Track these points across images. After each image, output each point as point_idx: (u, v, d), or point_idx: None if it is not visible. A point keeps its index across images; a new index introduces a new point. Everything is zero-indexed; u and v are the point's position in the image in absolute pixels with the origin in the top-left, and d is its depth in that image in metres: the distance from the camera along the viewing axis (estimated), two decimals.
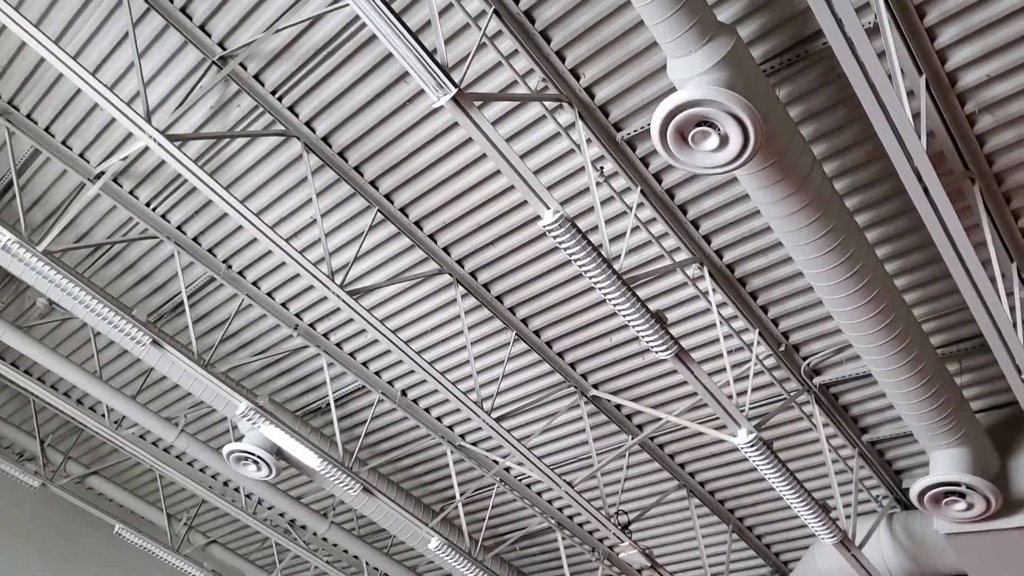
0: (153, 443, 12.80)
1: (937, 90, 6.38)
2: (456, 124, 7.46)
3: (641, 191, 7.63)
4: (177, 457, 12.99)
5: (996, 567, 8.83)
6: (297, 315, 10.13)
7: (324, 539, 13.75)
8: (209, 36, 7.43)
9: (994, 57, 6.18)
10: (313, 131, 7.99)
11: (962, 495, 8.06)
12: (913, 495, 8.28)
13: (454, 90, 5.87)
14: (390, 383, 10.69)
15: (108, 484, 13.29)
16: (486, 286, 9.13)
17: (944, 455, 7.94)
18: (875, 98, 5.34)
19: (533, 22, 6.77)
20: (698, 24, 5.52)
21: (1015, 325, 6.61)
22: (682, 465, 10.84)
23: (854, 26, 5.08)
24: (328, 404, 10.98)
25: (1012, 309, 6.80)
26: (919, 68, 6.22)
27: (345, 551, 13.95)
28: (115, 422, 11.82)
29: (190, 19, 7.33)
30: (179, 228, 9.42)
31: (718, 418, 8.74)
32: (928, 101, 6.32)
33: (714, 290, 8.23)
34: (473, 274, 9.03)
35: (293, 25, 7.02)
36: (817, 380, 9.10)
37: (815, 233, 6.32)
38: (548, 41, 6.87)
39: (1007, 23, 5.98)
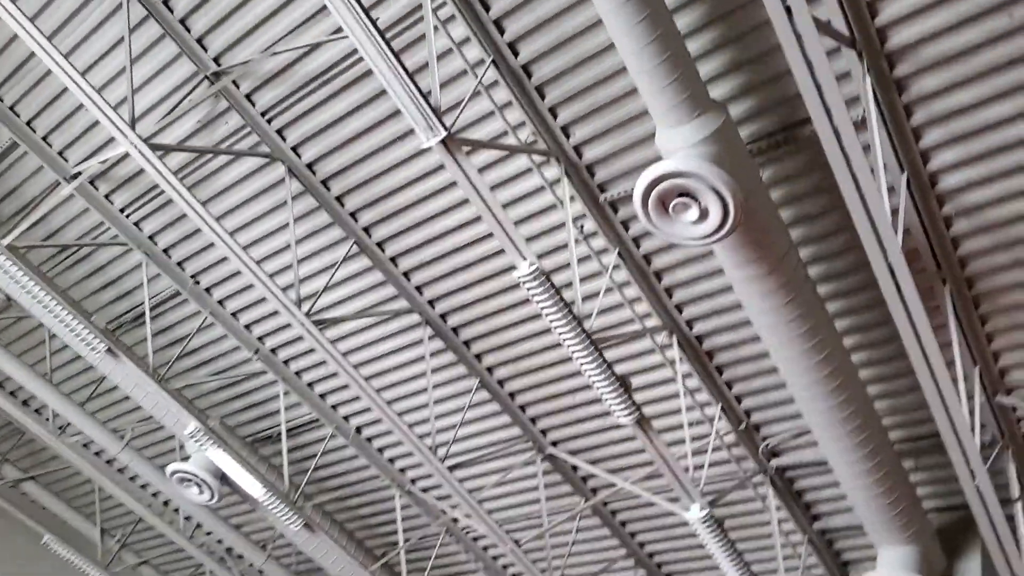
0: (96, 453, 12.44)
1: (917, 189, 6.47)
2: (442, 166, 7.46)
3: (619, 253, 7.64)
4: (119, 471, 12.63)
5: None
6: (260, 339, 9.99)
7: (260, 571, 13.38)
8: (205, 50, 7.41)
9: (975, 164, 6.29)
10: (299, 156, 7.95)
11: None
12: None
13: (444, 133, 5.88)
14: (345, 419, 10.53)
15: (43, 492, 12.92)
16: (455, 330, 9.06)
17: (892, 552, 7.89)
18: (856, 190, 5.40)
19: (530, 76, 6.82)
20: (690, 98, 5.57)
21: (972, 429, 6.63)
22: (632, 534, 10.71)
23: (842, 117, 5.15)
24: (279, 433, 10.76)
25: (971, 412, 6.82)
26: (901, 165, 6.31)
27: None
28: (60, 428, 11.51)
29: (188, 31, 7.31)
30: (151, 238, 9.29)
31: (672, 490, 8.66)
32: (908, 198, 6.40)
33: (681, 360, 8.21)
34: (443, 317, 8.96)
35: (291, 50, 7.03)
36: (774, 462, 9.06)
37: (785, 316, 6.33)
38: (543, 96, 6.91)
39: (990, 132, 6.09)
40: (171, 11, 7.22)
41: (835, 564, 9.94)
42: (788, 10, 4.83)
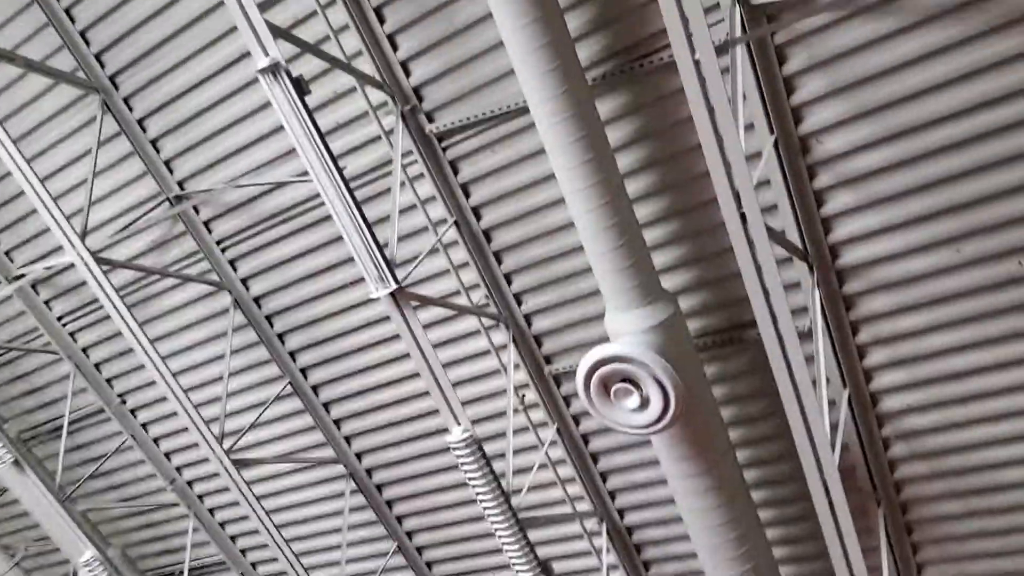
0: None
1: (858, 406, 6.46)
2: (388, 317, 7.35)
3: (558, 429, 7.48)
4: None
5: None
6: (178, 469, 9.55)
7: None
8: (171, 172, 7.41)
9: (916, 390, 6.30)
10: (247, 289, 7.84)
11: None
12: None
13: (394, 286, 5.82)
14: (254, 565, 9.95)
15: None
16: (379, 487, 8.72)
17: None
18: (796, 400, 5.35)
19: (490, 241, 6.86)
20: (642, 285, 5.60)
21: None
22: None
23: (787, 326, 5.17)
24: (182, 572, 10.11)
25: None
26: (844, 381, 6.32)
27: None
28: None
29: (158, 152, 7.33)
30: (84, 350, 9.00)
31: None
32: (848, 414, 6.38)
33: (608, 550, 7.91)
34: (369, 472, 8.64)
35: (256, 185, 7.05)
36: None
37: (716, 519, 6.15)
38: (500, 262, 6.93)
39: (933, 360, 6.13)
40: (144, 130, 7.26)
41: None
42: (743, 217, 4.92)
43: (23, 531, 10.90)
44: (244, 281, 7.81)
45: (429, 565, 9.05)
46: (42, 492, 8.67)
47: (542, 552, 7.18)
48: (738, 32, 4.82)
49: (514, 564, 6.82)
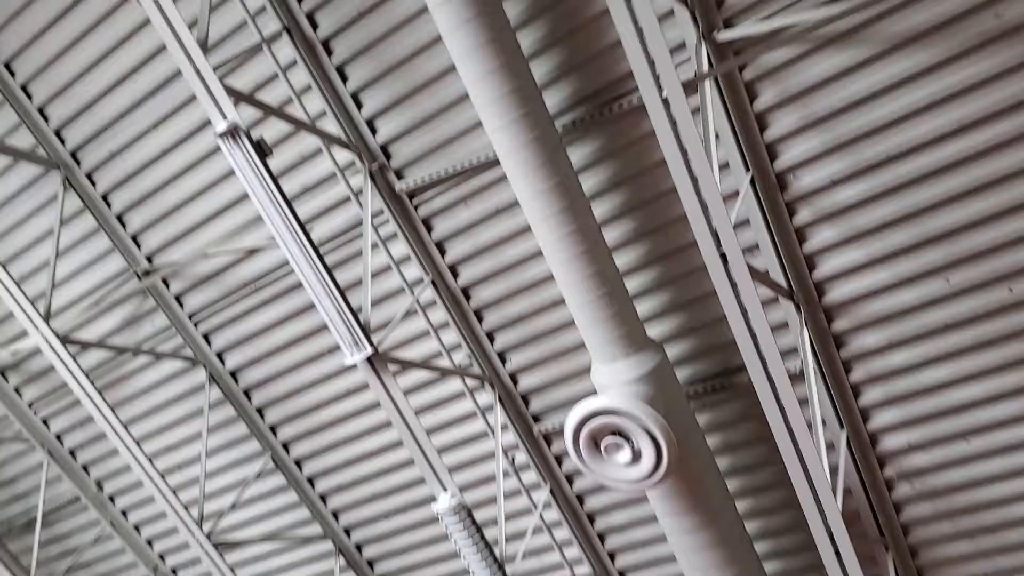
0: None
1: (858, 448, 6.24)
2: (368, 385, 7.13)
3: (551, 491, 7.22)
4: None
5: None
6: (160, 556, 9.18)
7: None
8: (139, 247, 7.23)
9: (915, 427, 6.11)
10: (223, 363, 7.61)
11: None
12: None
13: (369, 351, 5.62)
14: None
15: None
16: (371, 563, 8.39)
17: None
18: (793, 445, 5.14)
19: (469, 299, 6.68)
20: (626, 335, 5.43)
21: None
22: None
23: (777, 368, 4.98)
24: None
25: None
26: (841, 422, 6.11)
27: None
28: None
29: (124, 227, 7.17)
30: (58, 437, 8.71)
31: None
32: (848, 457, 6.16)
33: None
34: (359, 547, 8.31)
35: (225, 251, 6.87)
36: None
37: (720, 575, 5.88)
38: (480, 320, 6.75)
39: (929, 396, 5.95)
40: (108, 205, 7.10)
41: None
42: (724, 258, 4.78)
43: None
44: (219, 355, 7.59)
45: None
46: None
47: None
48: (705, 68, 4.73)
49: None
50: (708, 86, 4.83)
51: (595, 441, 5.49)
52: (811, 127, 5.28)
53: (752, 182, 5.43)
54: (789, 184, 5.49)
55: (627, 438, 5.40)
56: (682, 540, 5.97)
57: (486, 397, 7.08)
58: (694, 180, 4.64)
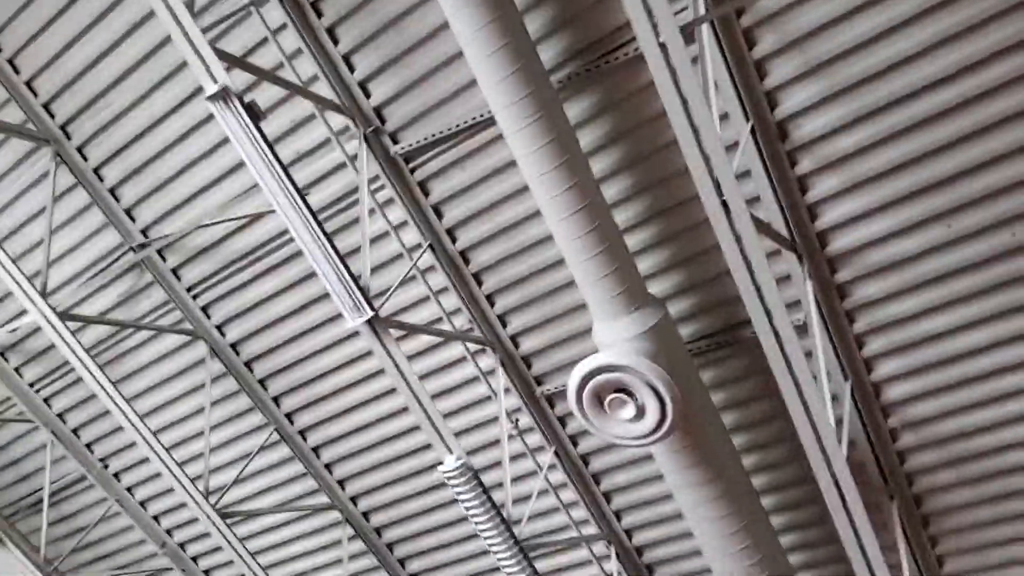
0: None
1: (862, 399, 6.24)
2: (371, 352, 7.10)
3: (555, 452, 7.21)
4: None
5: None
6: (168, 531, 9.19)
7: None
8: (134, 221, 7.17)
9: (917, 376, 6.10)
10: (223, 335, 7.57)
11: None
12: None
13: (370, 314, 5.58)
14: None
15: None
16: (378, 531, 8.40)
17: None
18: (799, 397, 5.14)
19: (468, 263, 6.64)
20: (627, 292, 5.39)
21: None
22: None
23: (782, 320, 4.96)
24: None
25: None
26: (845, 373, 6.10)
27: None
28: None
29: (117, 201, 7.10)
30: (60, 416, 8.68)
31: None
32: (852, 408, 6.15)
33: (620, 573, 7.61)
34: (366, 515, 8.33)
35: (221, 222, 6.81)
36: None
37: (728, 527, 5.89)
38: (480, 284, 6.71)
39: (931, 344, 5.94)
40: (101, 179, 7.03)
41: None
42: (726, 207, 4.73)
43: None
44: (219, 328, 7.55)
45: None
46: (29, 569, 8.36)
47: None
48: (702, 10, 4.66)
49: None
50: (706, 31, 4.76)
51: (599, 399, 5.48)
52: (810, 74, 5.22)
53: (752, 131, 5.37)
54: (790, 133, 5.43)
55: (631, 395, 5.39)
56: (689, 495, 5.98)
57: (487, 361, 7.05)
58: (695, 130, 4.59)
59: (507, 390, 6.98)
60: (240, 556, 7.38)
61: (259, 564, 7.49)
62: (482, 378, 7.06)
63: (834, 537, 6.81)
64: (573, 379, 5.41)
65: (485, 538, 6.21)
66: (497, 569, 8.05)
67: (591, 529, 7.61)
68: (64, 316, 6.71)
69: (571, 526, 7.64)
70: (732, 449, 6.01)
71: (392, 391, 7.37)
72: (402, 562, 8.54)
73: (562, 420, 7.21)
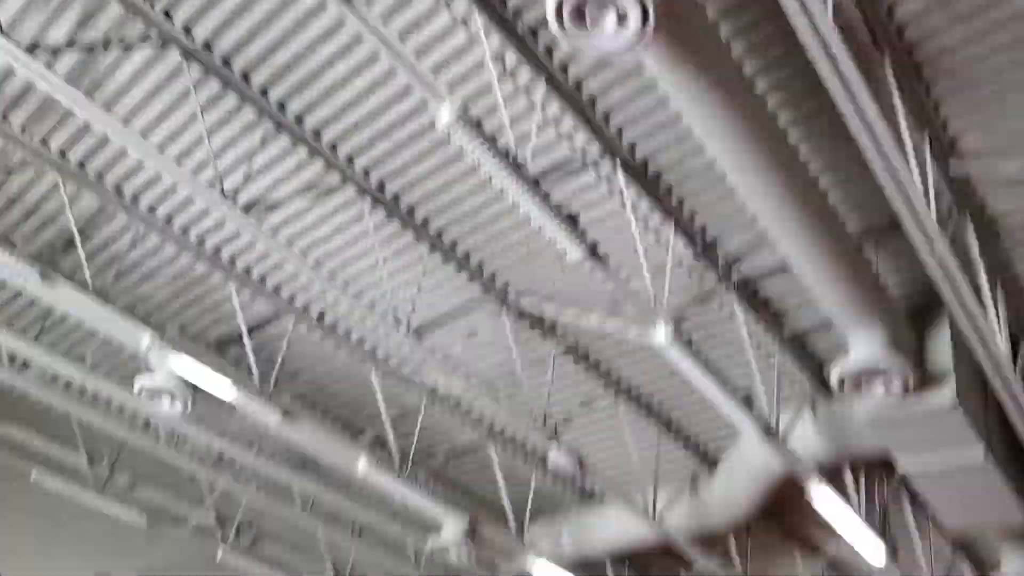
0: (65, 385, 12.11)
1: None
2: (345, 23, 6.93)
3: (546, 81, 7.24)
4: (94, 398, 12.38)
5: (916, 443, 9.00)
6: (199, 242, 9.57)
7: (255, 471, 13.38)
8: None
9: None
10: (192, 38, 7.37)
11: (880, 375, 8.11)
12: (833, 380, 8.31)
13: None
14: (304, 308, 10.31)
15: (18, 431, 12.74)
16: (395, 198, 8.75)
17: (861, 337, 7.93)
18: None
19: None
20: None
21: (927, 198, 6.51)
22: (608, 370, 10.79)
23: None
24: (241, 334, 10.52)
25: (924, 182, 6.63)
26: None
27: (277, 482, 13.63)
28: (24, 364, 11.15)
29: None
30: (61, 154, 8.73)
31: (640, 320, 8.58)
32: None
33: (628, 187, 7.97)
34: (380, 186, 8.62)
35: None
36: (736, 274, 9.00)
37: (723, 113, 6.07)
38: None
39: None
40: None
41: (810, 364, 10.09)
42: None
43: (82, 342, 11.22)
44: (187, 30, 7.32)
45: (467, 255, 9.31)
46: (79, 298, 8.86)
47: (567, 211, 7.27)
48: None
49: (541, 225, 6.97)
50: None
51: (580, 15, 5.42)
52: None
53: None
54: None
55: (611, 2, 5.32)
56: (684, 93, 6.07)
57: (461, 5, 6.85)
58: None
59: (487, 33, 6.84)
60: (277, 244, 7.78)
61: (294, 250, 7.89)
62: (459, 24, 6.92)
63: (830, 105, 6.99)
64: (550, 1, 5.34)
65: (493, 178, 6.50)
66: (510, 212, 8.42)
67: (594, 152, 7.87)
68: (32, 49, 6.56)
69: (575, 157, 7.89)
70: (719, 38, 6.03)
71: (377, 56, 7.25)
72: (425, 222, 8.96)
73: (549, 50, 7.17)
